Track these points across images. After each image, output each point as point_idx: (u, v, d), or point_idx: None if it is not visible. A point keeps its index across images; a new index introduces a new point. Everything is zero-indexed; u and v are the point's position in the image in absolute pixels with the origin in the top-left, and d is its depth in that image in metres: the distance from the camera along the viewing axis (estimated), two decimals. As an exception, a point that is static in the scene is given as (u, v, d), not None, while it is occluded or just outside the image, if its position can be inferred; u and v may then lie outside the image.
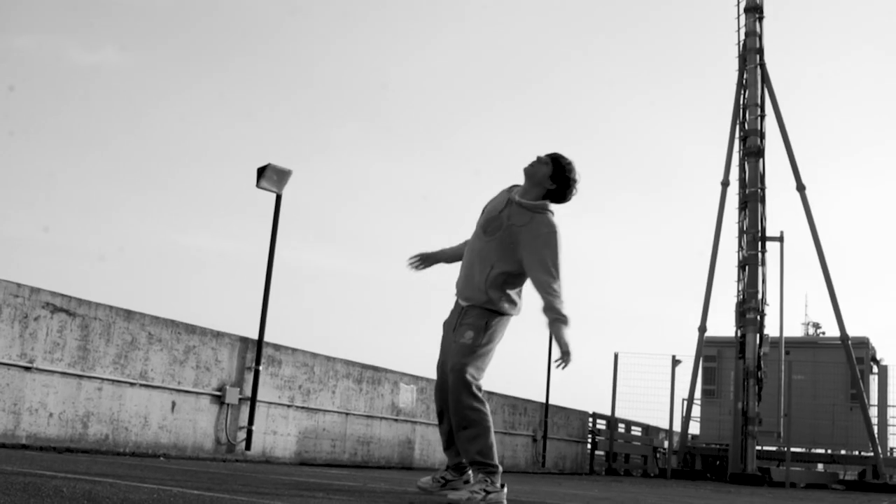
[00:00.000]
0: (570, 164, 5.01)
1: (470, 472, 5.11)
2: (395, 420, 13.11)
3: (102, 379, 8.89)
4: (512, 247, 4.95)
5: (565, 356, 4.81)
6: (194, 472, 6.76)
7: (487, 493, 4.77)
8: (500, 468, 4.93)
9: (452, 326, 5.11)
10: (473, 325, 4.98)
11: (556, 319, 4.86)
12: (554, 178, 4.98)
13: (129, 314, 9.24)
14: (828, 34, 46.93)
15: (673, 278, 40.88)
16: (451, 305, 5.32)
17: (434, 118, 44.43)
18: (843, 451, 20.90)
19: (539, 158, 5.00)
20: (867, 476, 19.66)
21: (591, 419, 18.71)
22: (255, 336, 10.64)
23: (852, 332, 19.49)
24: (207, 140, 37.18)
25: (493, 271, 4.97)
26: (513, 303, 5.10)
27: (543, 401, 18.03)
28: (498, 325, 5.05)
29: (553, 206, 5.04)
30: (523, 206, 4.99)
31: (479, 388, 4.93)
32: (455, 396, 4.88)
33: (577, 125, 46.22)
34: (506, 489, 4.94)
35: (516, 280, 5.06)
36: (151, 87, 35.73)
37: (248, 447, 10.36)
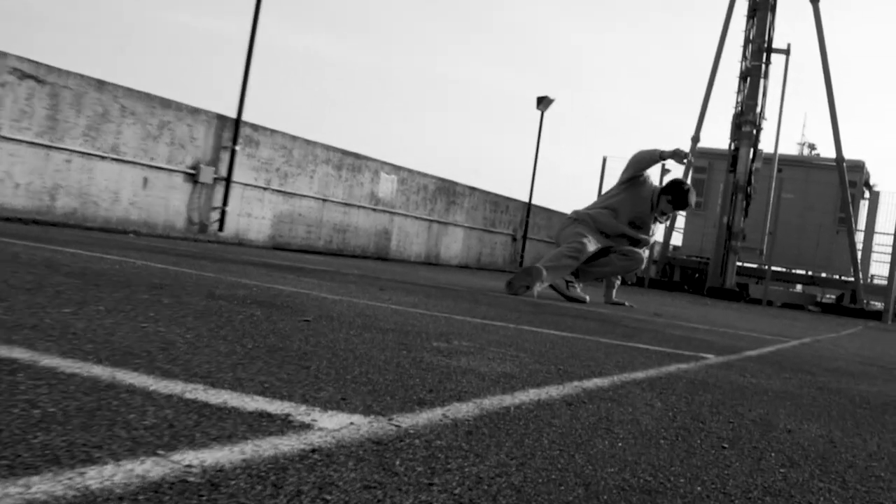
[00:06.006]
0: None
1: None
2: (374, 210, 13.01)
3: (72, 151, 8.63)
4: None
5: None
6: (162, 249, 6.61)
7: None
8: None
9: None
10: None
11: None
12: None
13: (101, 84, 8.88)
14: None
15: (670, 86, 40.29)
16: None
17: None
18: (823, 274, 21.05)
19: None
20: (845, 300, 19.88)
21: (574, 222, 18.67)
22: (234, 115, 10.34)
23: (849, 154, 19.28)
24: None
25: None
26: None
27: (526, 200, 17.97)
28: None
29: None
30: None
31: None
32: None
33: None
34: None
35: None
36: None
37: (221, 228, 10.25)
